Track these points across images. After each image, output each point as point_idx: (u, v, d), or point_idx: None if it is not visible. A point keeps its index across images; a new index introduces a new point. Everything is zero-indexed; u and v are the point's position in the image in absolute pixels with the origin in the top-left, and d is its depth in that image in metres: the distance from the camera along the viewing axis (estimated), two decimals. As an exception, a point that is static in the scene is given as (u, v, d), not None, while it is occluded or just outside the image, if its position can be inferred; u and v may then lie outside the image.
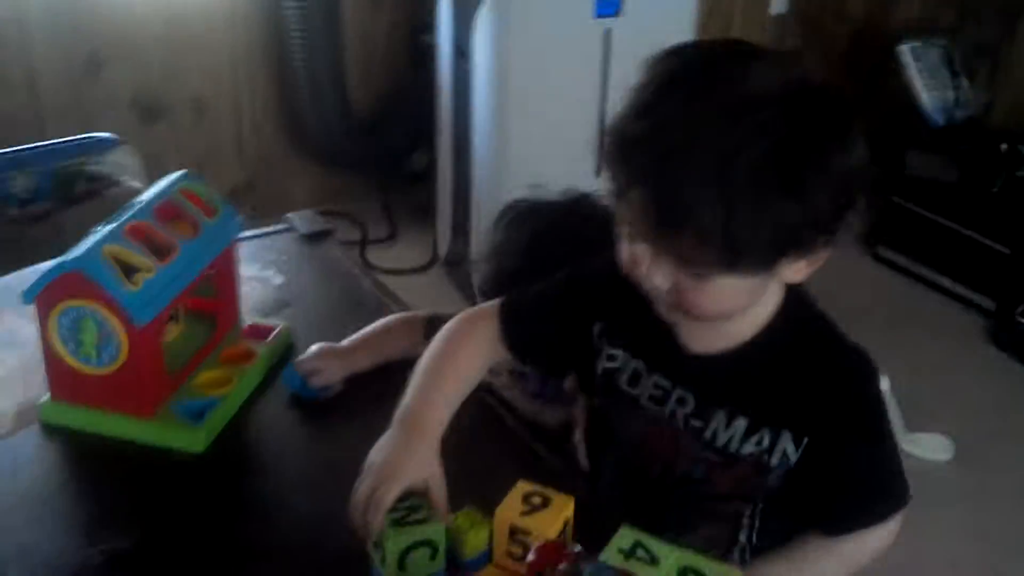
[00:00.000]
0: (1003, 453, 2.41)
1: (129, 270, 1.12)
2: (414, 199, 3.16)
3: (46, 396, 1.19)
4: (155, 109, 2.82)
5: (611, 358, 1.09)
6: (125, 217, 1.17)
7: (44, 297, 1.12)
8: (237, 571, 1.02)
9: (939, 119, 3.37)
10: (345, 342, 1.29)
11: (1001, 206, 2.97)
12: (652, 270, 0.92)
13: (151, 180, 1.30)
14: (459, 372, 1.06)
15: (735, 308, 0.95)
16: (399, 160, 3.17)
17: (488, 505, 0.96)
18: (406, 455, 0.96)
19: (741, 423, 1.01)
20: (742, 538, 1.08)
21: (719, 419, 1.02)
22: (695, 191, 0.83)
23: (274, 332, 1.33)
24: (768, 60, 0.89)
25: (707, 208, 0.83)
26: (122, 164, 2.00)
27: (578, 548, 0.83)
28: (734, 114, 0.83)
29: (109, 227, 1.15)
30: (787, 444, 1.00)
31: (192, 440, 1.16)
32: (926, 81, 3.39)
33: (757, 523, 1.08)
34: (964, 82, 3.41)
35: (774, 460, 1.01)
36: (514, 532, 0.94)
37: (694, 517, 1.09)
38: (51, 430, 1.18)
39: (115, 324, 1.11)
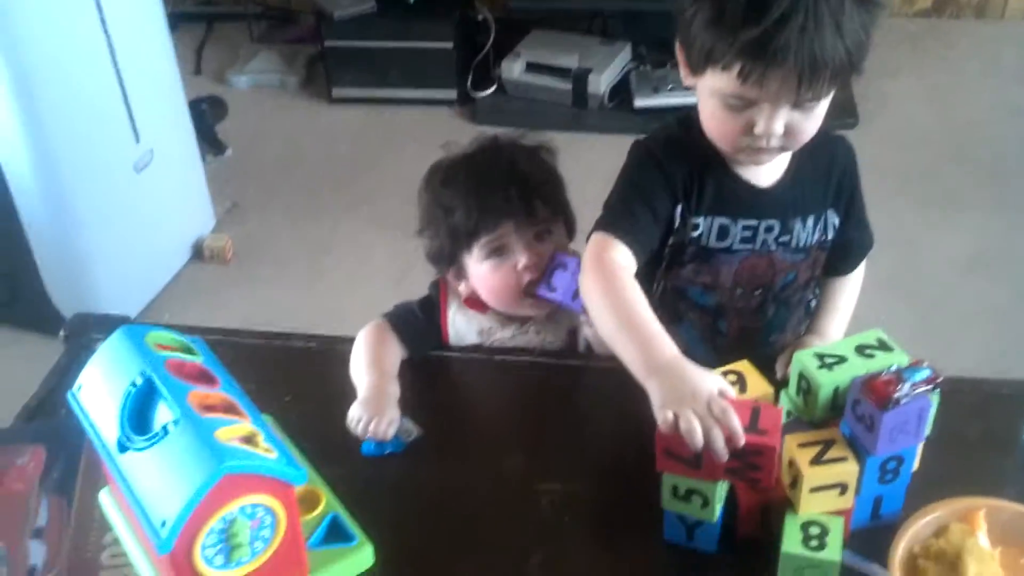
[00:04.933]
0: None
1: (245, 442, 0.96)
2: None
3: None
4: None
5: (695, 228, 1.24)
6: (176, 393, 0.97)
7: (185, 531, 0.92)
8: None
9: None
10: (365, 388, 1.24)
11: (424, 9, 3.30)
12: (771, 121, 1.13)
13: None
14: (641, 305, 1.10)
15: (819, 125, 1.18)
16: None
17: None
18: (698, 377, 1.00)
19: (811, 220, 1.27)
20: (810, 308, 1.37)
21: (798, 226, 1.26)
22: (827, 45, 1.06)
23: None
24: None
25: (838, 51, 1.07)
26: None
27: None
28: None
29: (181, 410, 0.95)
30: (833, 218, 1.29)
31: (360, 559, 1.07)
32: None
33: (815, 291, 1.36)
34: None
35: (829, 234, 1.29)
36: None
37: (783, 317, 1.33)
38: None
39: (273, 503, 0.96)
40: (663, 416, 0.97)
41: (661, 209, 1.23)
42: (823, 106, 1.16)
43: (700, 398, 0.97)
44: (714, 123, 1.18)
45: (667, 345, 1.05)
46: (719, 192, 1.24)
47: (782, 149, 1.19)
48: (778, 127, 1.13)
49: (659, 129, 1.29)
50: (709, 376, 1.01)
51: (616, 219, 1.20)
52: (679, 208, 1.24)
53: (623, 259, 1.16)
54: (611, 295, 1.11)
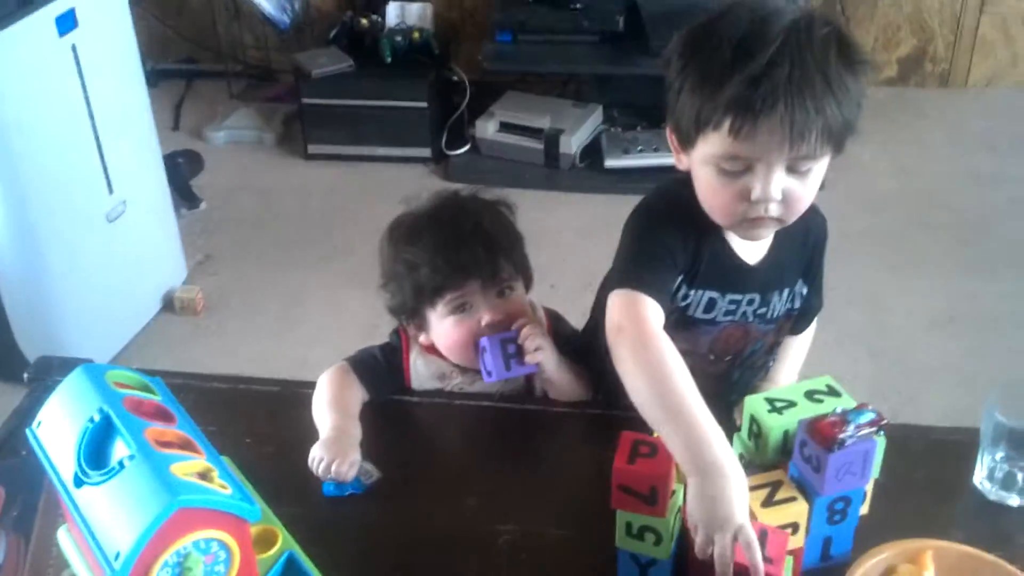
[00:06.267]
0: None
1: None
2: None
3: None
4: None
5: (684, 298, 1.24)
6: (132, 429, 0.98)
7: (139, 564, 0.92)
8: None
9: (285, 20, 3.62)
10: (328, 430, 1.25)
11: (401, 70, 3.38)
12: (767, 184, 1.11)
13: None
14: (685, 383, 1.06)
15: (814, 196, 1.18)
16: None
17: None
18: (734, 501, 0.99)
19: (785, 292, 1.29)
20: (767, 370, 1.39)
21: (775, 299, 1.28)
22: (816, 94, 1.06)
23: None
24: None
25: (828, 102, 1.07)
26: None
27: None
28: (803, 37, 1.07)
29: (137, 445, 0.96)
30: (802, 288, 1.31)
31: (317, 599, 1.07)
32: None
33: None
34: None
35: (797, 303, 1.32)
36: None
37: (747, 380, 1.35)
38: None
39: (227, 538, 0.97)
40: (700, 543, 0.99)
41: (678, 265, 1.21)
42: (818, 172, 1.14)
43: (731, 527, 0.98)
44: (710, 194, 1.16)
45: (714, 441, 1.02)
46: (713, 266, 1.23)
47: (779, 220, 1.16)
48: (775, 191, 1.11)
49: (661, 192, 1.27)
50: (743, 501, 1.00)
51: (639, 273, 1.17)
52: (681, 276, 1.23)
53: (655, 317, 1.13)
54: (651, 370, 1.07)
